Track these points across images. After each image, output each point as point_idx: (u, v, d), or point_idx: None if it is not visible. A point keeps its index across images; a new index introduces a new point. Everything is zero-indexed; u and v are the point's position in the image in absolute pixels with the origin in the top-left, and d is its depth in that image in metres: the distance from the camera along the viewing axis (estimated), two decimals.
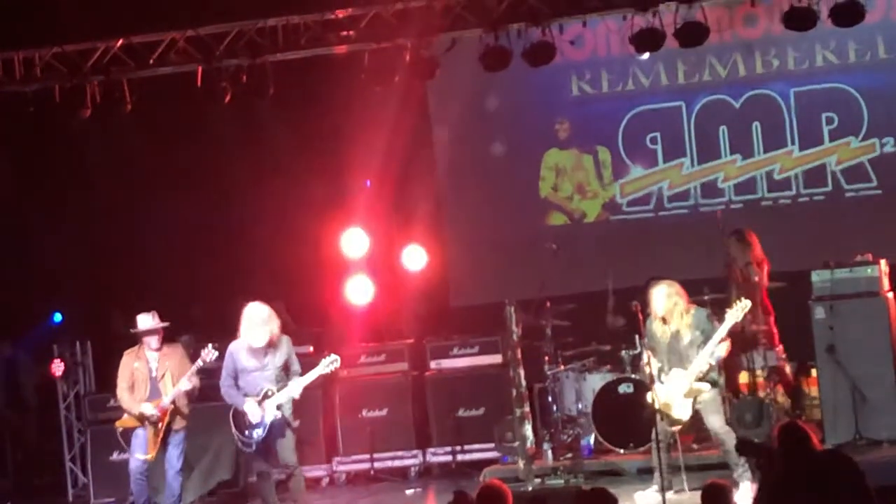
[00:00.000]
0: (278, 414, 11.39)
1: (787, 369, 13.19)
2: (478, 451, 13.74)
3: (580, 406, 13.15)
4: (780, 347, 13.08)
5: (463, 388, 13.97)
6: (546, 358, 13.19)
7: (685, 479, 11.41)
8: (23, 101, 13.33)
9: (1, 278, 15.34)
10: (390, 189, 15.34)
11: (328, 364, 11.60)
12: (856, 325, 12.24)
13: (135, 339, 12.17)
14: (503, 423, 12.96)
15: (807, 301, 12.44)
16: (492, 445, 13.34)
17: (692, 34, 12.37)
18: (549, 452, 12.89)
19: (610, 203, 15.23)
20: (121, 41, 13.10)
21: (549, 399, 13.22)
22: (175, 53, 13.11)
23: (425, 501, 13.13)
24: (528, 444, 12.48)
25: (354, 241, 15.08)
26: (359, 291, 15.02)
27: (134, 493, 12.22)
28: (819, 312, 12.33)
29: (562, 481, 12.25)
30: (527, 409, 12.64)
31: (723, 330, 11.18)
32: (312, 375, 11.58)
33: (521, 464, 12.43)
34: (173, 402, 11.96)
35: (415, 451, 14.02)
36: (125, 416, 12.15)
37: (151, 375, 12.04)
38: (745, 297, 11.50)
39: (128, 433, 12.12)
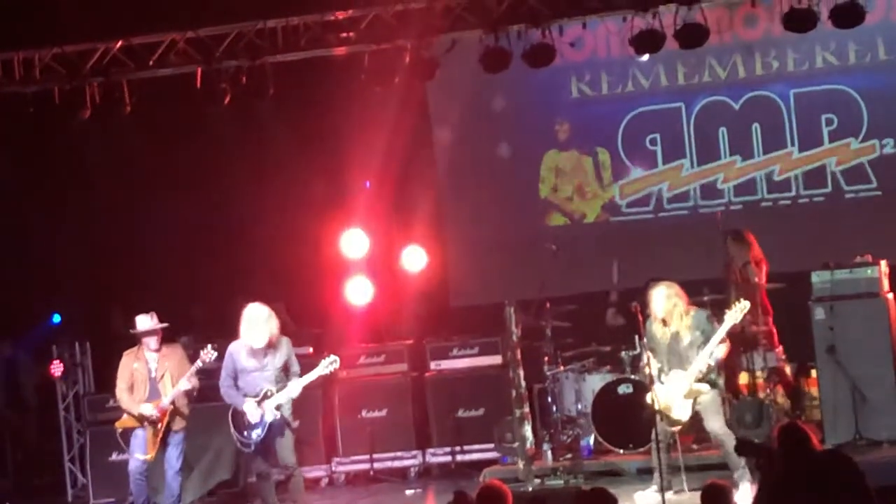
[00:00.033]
0: (277, 414, 11.40)
1: (787, 370, 13.19)
2: (477, 452, 13.74)
3: (580, 407, 13.15)
4: (780, 348, 13.08)
5: (463, 389, 13.97)
6: (546, 358, 13.19)
7: (685, 479, 11.41)
8: (23, 102, 13.33)
9: (1, 278, 15.34)
10: (390, 189, 15.34)
11: (328, 365, 11.62)
12: (856, 325, 12.26)
13: (134, 340, 12.18)
14: (503, 423, 12.96)
15: (807, 302, 12.46)
16: (491, 446, 13.34)
17: (692, 35, 12.36)
18: (549, 453, 12.90)
19: (609, 204, 15.23)
20: (120, 42, 13.10)
21: (549, 400, 13.23)
22: (175, 55, 13.11)
23: (425, 502, 13.13)
24: (528, 445, 12.48)
25: (354, 242, 15.09)
26: (359, 292, 15.03)
27: (133, 493, 12.23)
28: (819, 313, 12.34)
29: (561, 482, 12.26)
30: (526, 409, 12.65)
31: (722, 331, 11.20)
32: (312, 376, 11.59)
33: (520, 464, 12.43)
34: (173, 403, 11.96)
35: (414, 452, 14.03)
36: (125, 416, 12.16)
37: (151, 376, 12.05)
38: (745, 298, 11.52)
39: (127, 433, 12.13)
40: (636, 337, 12.10)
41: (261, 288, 13.16)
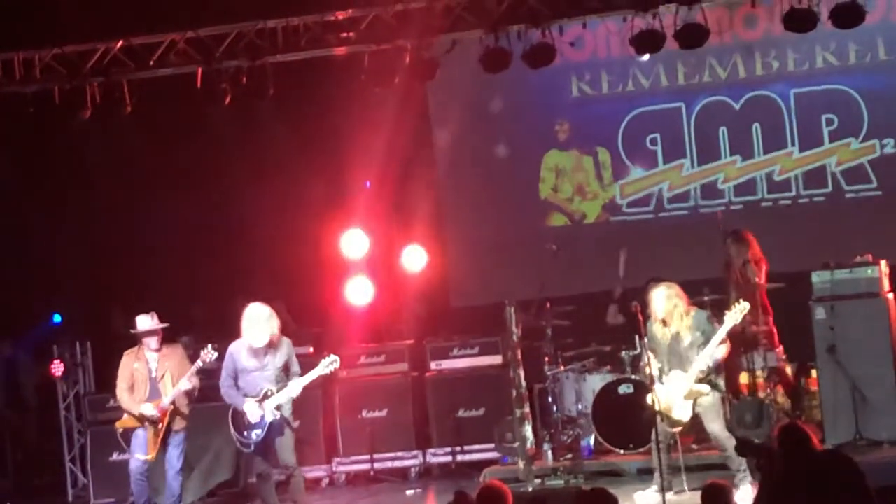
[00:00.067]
0: (278, 414, 11.39)
1: (788, 370, 13.20)
2: (478, 452, 13.74)
3: (580, 407, 13.15)
4: (781, 348, 13.08)
5: (463, 389, 13.97)
6: (546, 358, 13.19)
7: (685, 479, 11.41)
8: (23, 102, 13.33)
9: (1, 278, 15.34)
10: (390, 189, 15.34)
11: (328, 364, 11.61)
12: (856, 325, 12.26)
13: (134, 340, 12.18)
14: (503, 423, 12.96)
15: (807, 302, 12.45)
16: (492, 446, 13.33)
17: (692, 36, 12.37)
18: (549, 453, 12.89)
19: (610, 204, 15.24)
20: (121, 42, 13.10)
21: (549, 400, 13.22)
22: (175, 55, 13.11)
23: (425, 502, 13.13)
24: (528, 445, 12.48)
25: (354, 242, 15.08)
26: (359, 292, 15.03)
27: (134, 493, 12.22)
28: (819, 313, 12.34)
29: (562, 482, 12.26)
30: (527, 409, 12.64)
31: (722, 332, 11.19)
32: (312, 376, 11.59)
33: (521, 464, 12.43)
34: (173, 403, 11.96)
35: (415, 452, 14.02)
36: (125, 416, 12.16)
37: (151, 376, 12.05)
38: (745, 298, 11.53)
39: (128, 433, 12.13)
40: (636, 337, 12.11)
41: (261, 288, 13.15)
